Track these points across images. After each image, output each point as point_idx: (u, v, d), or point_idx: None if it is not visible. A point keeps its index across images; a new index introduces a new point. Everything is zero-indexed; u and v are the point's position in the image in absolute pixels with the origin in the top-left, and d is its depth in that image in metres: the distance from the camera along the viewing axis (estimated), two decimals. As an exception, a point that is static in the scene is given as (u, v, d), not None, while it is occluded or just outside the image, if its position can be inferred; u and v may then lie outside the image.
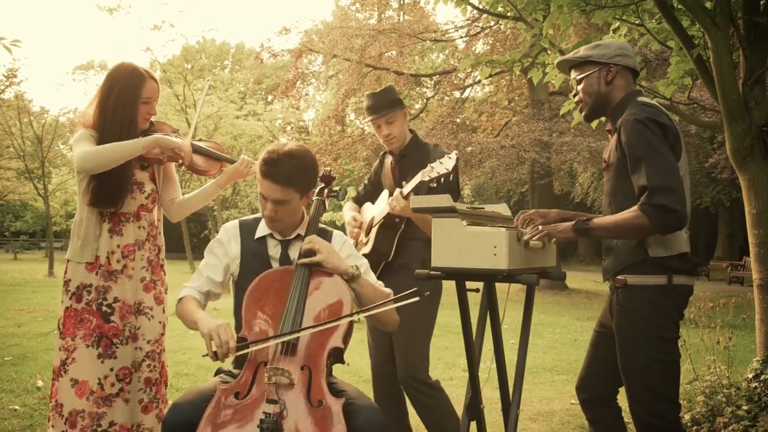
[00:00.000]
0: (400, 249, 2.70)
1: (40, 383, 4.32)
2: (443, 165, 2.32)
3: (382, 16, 20.15)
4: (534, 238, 2.00)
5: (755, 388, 3.30)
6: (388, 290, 2.14)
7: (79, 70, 31.40)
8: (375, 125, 2.83)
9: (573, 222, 2.01)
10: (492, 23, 16.08)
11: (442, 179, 2.32)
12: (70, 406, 2.37)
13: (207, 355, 1.86)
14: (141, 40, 47.20)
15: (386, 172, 2.93)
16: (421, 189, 2.46)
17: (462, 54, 18.31)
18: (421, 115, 19.02)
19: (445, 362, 5.91)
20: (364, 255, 2.71)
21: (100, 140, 2.43)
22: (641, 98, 2.10)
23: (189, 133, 2.66)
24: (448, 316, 5.85)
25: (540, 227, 2.01)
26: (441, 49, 23.18)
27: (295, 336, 1.87)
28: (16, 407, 3.75)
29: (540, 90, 15.63)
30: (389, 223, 2.72)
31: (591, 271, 22.48)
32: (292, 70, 17.52)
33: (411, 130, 2.89)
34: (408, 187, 2.53)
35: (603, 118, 2.33)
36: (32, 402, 3.88)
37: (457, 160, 2.72)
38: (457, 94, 18.77)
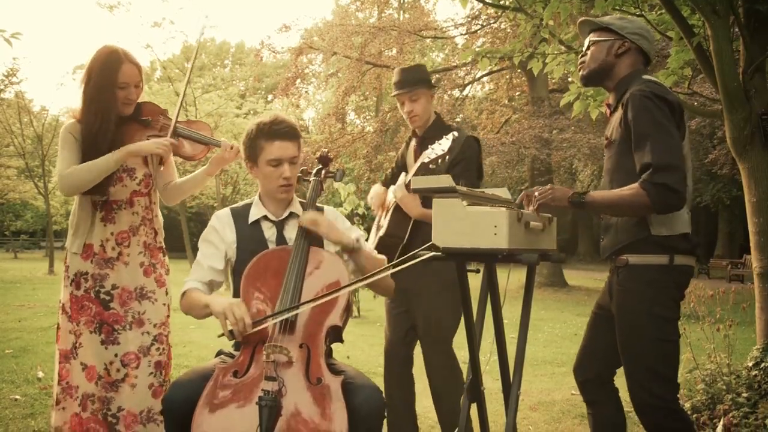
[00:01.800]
0: (415, 232, 2.64)
1: (40, 374, 4.32)
2: (441, 146, 2.30)
3: (382, 14, 20.17)
4: (532, 209, 1.97)
5: (755, 376, 3.30)
6: (382, 257, 2.17)
7: (80, 69, 31.39)
8: (399, 101, 2.80)
9: (570, 193, 1.98)
10: (492, 21, 16.10)
11: (440, 160, 2.29)
12: (83, 388, 2.37)
13: (223, 334, 1.85)
14: (141, 37, 47.28)
15: (410, 153, 2.89)
16: (423, 173, 2.41)
17: (462, 48, 18.30)
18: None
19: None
20: (380, 238, 2.71)
21: (82, 132, 2.39)
22: (646, 76, 2.10)
23: (170, 126, 2.52)
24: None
25: (536, 194, 1.96)
26: (441, 48, 23.18)
27: (315, 303, 1.84)
28: (17, 397, 3.76)
29: (540, 87, 15.64)
30: (401, 207, 2.69)
31: (591, 270, 22.47)
32: (293, 68, 17.53)
33: (436, 113, 2.85)
34: (410, 175, 2.50)
35: (603, 111, 2.32)
36: (33, 392, 3.89)
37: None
38: (456, 92, 18.76)
